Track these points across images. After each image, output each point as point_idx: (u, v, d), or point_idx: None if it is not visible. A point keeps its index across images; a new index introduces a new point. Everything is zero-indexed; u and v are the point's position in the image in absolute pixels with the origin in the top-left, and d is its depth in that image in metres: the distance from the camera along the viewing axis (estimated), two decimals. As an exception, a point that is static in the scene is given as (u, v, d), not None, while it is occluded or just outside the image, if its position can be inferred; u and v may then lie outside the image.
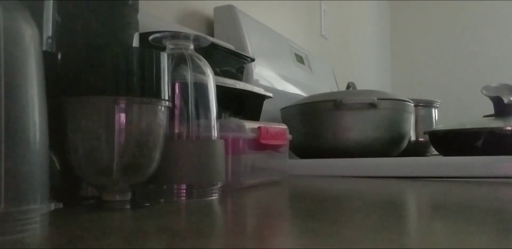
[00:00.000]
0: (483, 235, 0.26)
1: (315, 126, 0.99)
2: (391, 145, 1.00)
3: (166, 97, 0.39)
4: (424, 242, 0.25)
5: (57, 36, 0.42)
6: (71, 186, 0.42)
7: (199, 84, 0.46)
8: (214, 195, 0.45)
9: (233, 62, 0.84)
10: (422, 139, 1.30)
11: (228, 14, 1.10)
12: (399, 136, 1.02)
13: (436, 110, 1.37)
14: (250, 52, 1.06)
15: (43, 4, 0.41)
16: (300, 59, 1.39)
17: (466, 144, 0.91)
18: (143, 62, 0.38)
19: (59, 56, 0.38)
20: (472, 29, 2.95)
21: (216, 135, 0.47)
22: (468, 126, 0.93)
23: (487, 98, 1.00)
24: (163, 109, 0.39)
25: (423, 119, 1.34)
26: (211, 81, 0.47)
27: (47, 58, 0.30)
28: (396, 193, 0.54)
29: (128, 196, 0.39)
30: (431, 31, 3.07)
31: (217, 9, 1.12)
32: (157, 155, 0.39)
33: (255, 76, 1.07)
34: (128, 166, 0.37)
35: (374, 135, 0.97)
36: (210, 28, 1.13)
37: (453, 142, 0.96)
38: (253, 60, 0.91)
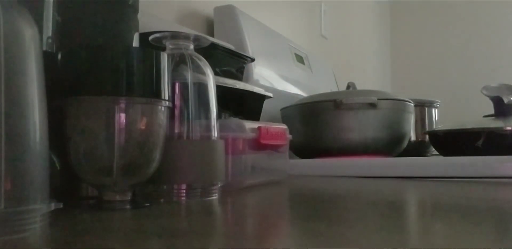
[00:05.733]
0: (483, 235, 0.26)
1: (315, 126, 0.99)
2: (391, 145, 1.00)
3: (166, 97, 0.39)
4: (424, 242, 0.25)
5: (57, 36, 0.42)
6: (71, 186, 0.42)
7: (199, 84, 0.46)
8: (214, 195, 0.45)
9: (233, 62, 0.84)
10: (422, 139, 1.30)
11: (228, 14, 1.10)
12: (399, 136, 1.01)
13: (436, 110, 1.37)
14: (250, 52, 1.06)
15: (43, 4, 0.41)
16: (300, 59, 1.39)
17: (466, 144, 0.91)
18: (143, 62, 0.38)
19: (59, 56, 0.37)
20: (472, 29, 2.95)
21: (216, 135, 0.47)
22: (468, 126, 0.93)
23: (487, 98, 1.00)
24: (163, 109, 0.39)
25: (423, 120, 1.34)
26: (211, 81, 0.47)
27: (47, 58, 0.30)
28: (396, 193, 0.54)
29: (128, 196, 0.39)
30: (431, 31, 3.07)
31: (217, 9, 1.12)
32: (157, 155, 0.39)
33: (255, 76, 1.07)
34: (128, 166, 0.37)
35: (374, 135, 0.97)
36: (210, 28, 1.13)
37: (453, 142, 0.96)
38: (253, 60, 0.91)
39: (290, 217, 0.36)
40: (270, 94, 0.87)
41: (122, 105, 0.36)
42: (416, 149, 1.28)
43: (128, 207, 0.38)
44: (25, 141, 0.26)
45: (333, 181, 0.70)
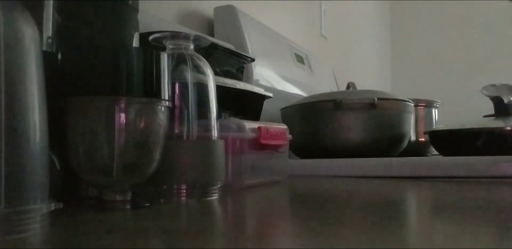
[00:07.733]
0: (483, 235, 0.26)
1: (315, 126, 0.99)
2: (391, 145, 1.00)
3: (166, 97, 0.39)
4: (424, 242, 0.25)
5: (57, 36, 0.42)
6: (71, 186, 0.42)
7: (199, 84, 0.46)
8: (214, 195, 0.45)
9: (233, 62, 0.84)
10: (422, 139, 1.30)
11: (228, 14, 1.10)
12: (399, 136, 1.01)
13: (436, 110, 1.37)
14: (250, 52, 1.06)
15: (43, 4, 0.41)
16: (300, 59, 1.39)
17: (466, 144, 0.91)
18: (143, 62, 0.38)
19: (59, 56, 0.37)
20: (472, 29, 2.95)
21: (216, 135, 0.47)
22: (468, 126, 0.93)
23: (487, 98, 1.00)
24: (163, 109, 0.39)
25: (423, 120, 1.34)
26: (211, 81, 0.47)
27: (47, 58, 0.30)
28: (396, 193, 0.54)
29: (128, 196, 0.39)
30: (431, 31, 3.07)
31: (217, 9, 1.12)
32: (157, 155, 0.39)
33: (255, 76, 1.07)
34: (128, 166, 0.37)
35: (374, 135, 0.97)
36: (210, 28, 1.13)
37: (453, 142, 0.96)
38: (253, 60, 0.91)
39: (290, 217, 0.36)
40: (270, 94, 0.87)
41: (122, 105, 0.36)
42: (416, 149, 1.28)
43: (128, 207, 0.38)
44: (25, 141, 0.26)
45: (333, 181, 0.70)
